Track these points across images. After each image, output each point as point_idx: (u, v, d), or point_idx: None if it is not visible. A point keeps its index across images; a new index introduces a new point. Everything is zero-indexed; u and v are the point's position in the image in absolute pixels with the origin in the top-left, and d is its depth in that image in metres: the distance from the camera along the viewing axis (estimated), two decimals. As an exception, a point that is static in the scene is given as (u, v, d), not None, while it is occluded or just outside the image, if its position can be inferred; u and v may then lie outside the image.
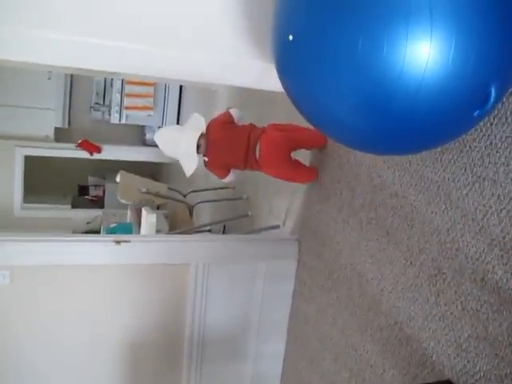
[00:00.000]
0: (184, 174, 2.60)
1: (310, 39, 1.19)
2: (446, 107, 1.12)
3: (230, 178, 2.65)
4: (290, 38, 1.25)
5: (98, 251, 2.32)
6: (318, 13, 1.16)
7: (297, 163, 2.58)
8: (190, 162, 2.49)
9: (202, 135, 2.47)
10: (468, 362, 1.53)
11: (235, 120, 2.58)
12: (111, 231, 3.67)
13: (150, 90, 5.84)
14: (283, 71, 1.36)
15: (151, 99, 5.88)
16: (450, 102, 1.11)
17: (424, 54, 1.03)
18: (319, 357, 2.48)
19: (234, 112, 2.59)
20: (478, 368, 1.50)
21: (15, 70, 5.17)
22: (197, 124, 2.52)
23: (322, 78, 1.21)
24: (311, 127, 2.46)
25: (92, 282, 2.34)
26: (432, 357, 1.69)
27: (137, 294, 2.41)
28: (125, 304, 2.41)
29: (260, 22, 1.56)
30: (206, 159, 2.55)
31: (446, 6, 1.04)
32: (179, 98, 6.02)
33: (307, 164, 2.66)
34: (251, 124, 2.54)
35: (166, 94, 5.94)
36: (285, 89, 1.39)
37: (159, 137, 2.62)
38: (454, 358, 1.59)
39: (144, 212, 3.21)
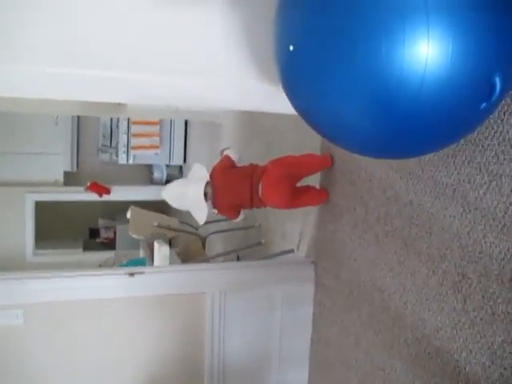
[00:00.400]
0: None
1: (309, 48, 1.21)
2: (450, 102, 1.13)
3: (240, 217, 2.74)
4: (291, 48, 1.26)
5: (113, 284, 2.29)
6: (315, 21, 1.18)
7: (305, 190, 2.57)
8: (201, 211, 2.59)
9: (207, 183, 2.55)
10: (505, 369, 1.45)
11: (235, 162, 2.64)
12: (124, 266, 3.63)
13: (156, 128, 5.91)
14: (287, 81, 1.36)
15: (157, 138, 5.94)
16: (453, 96, 1.11)
17: (423, 52, 1.04)
18: (345, 381, 2.38)
19: (231, 154, 2.64)
20: (515, 375, 1.43)
21: (23, 117, 5.28)
22: (200, 174, 2.61)
23: (324, 84, 1.21)
24: (313, 154, 2.50)
25: (108, 315, 2.29)
26: (465, 368, 1.61)
27: (154, 325, 2.35)
28: (142, 336, 2.35)
29: (263, 45, 1.57)
30: (216, 210, 2.65)
31: (441, 4, 1.04)
32: (185, 134, 6.08)
33: (317, 185, 2.64)
34: (251, 164, 2.60)
35: (172, 131, 6.00)
36: (289, 99, 1.39)
37: (167, 194, 2.71)
38: (489, 367, 1.51)
39: (156, 245, 3.18)
